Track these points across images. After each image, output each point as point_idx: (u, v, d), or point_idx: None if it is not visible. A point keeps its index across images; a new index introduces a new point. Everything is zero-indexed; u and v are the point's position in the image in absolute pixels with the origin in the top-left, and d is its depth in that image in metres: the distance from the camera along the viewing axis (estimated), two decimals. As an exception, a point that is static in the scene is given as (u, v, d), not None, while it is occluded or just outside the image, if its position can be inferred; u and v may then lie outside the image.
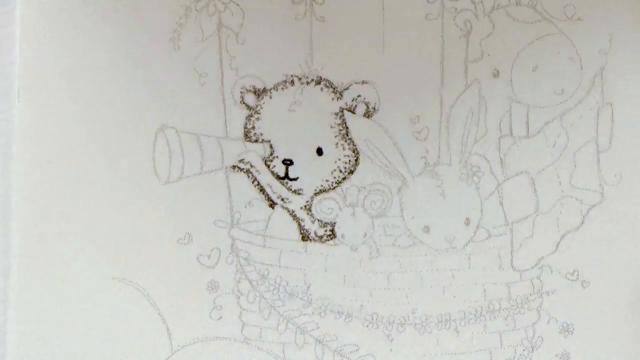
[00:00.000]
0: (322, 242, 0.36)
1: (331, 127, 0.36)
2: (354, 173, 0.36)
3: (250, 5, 0.36)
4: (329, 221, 0.36)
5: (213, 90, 0.36)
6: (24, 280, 0.36)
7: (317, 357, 0.36)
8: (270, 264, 0.36)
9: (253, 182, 0.36)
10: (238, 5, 0.35)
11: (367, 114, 0.36)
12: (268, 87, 0.36)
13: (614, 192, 0.36)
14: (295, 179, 0.36)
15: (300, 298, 0.36)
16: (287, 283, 0.36)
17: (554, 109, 0.36)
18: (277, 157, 0.36)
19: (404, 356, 0.36)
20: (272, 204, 0.36)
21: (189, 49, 0.36)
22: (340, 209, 0.36)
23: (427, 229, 0.36)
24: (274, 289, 0.36)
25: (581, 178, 0.36)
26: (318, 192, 0.36)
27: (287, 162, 0.36)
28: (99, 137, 0.36)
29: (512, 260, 0.36)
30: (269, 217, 0.36)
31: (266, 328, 0.36)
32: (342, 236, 0.36)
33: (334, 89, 0.36)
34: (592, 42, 0.36)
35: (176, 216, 0.36)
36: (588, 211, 0.36)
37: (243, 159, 0.36)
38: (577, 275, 0.36)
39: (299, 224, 0.36)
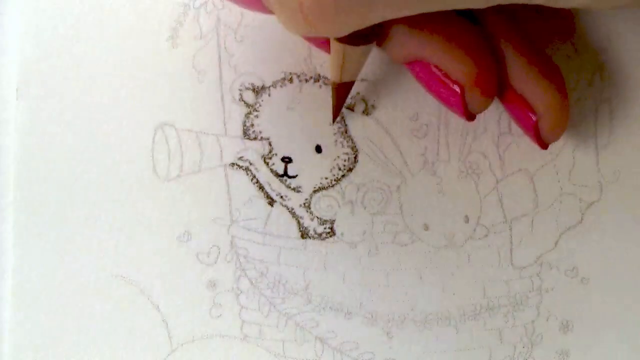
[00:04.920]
0: (322, 240, 0.36)
1: (330, 124, 0.36)
2: (353, 170, 0.36)
3: (249, 3, 0.36)
4: (328, 219, 0.36)
5: (211, 88, 0.36)
6: (21, 278, 0.36)
7: (316, 354, 0.36)
8: (270, 262, 0.36)
9: (252, 180, 0.36)
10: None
11: (366, 112, 0.36)
12: (267, 85, 0.36)
13: (613, 189, 0.36)
14: (294, 177, 0.36)
15: (300, 296, 0.36)
16: (287, 281, 0.36)
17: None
18: (276, 154, 0.36)
19: (404, 353, 0.36)
20: (271, 202, 0.36)
21: (187, 47, 0.36)
22: (340, 206, 0.36)
23: (426, 227, 0.36)
24: (273, 287, 0.36)
25: (580, 175, 0.36)
26: (317, 190, 0.36)
27: (286, 160, 0.36)
28: (97, 135, 0.36)
29: (511, 258, 0.36)
30: (268, 215, 0.36)
31: (266, 326, 0.36)
32: (342, 234, 0.36)
33: (333, 86, 0.36)
34: (590, 39, 0.36)
35: (175, 214, 0.36)
36: (587, 208, 0.36)
37: (242, 157, 0.36)
38: (577, 272, 0.36)
39: (298, 222, 0.36)
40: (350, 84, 0.32)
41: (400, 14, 0.23)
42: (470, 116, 0.30)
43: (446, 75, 0.29)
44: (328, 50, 0.31)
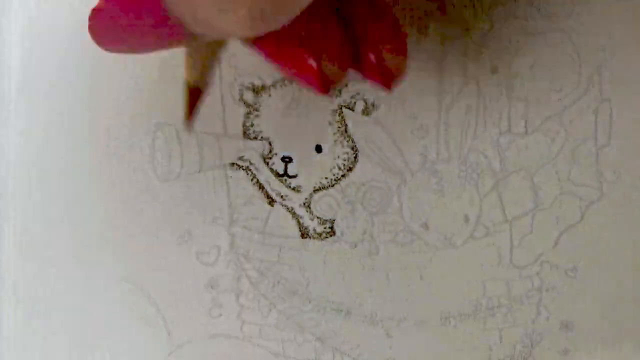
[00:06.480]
0: (322, 239, 0.36)
1: (330, 124, 0.36)
2: (352, 170, 0.36)
3: (249, 3, 0.35)
4: (328, 218, 0.36)
5: (211, 87, 0.36)
6: (21, 278, 0.36)
7: (316, 354, 0.36)
8: (270, 262, 0.36)
9: (252, 180, 0.36)
10: (236, 2, 0.35)
11: (366, 112, 0.36)
12: (267, 85, 0.36)
13: (613, 188, 0.36)
14: (294, 176, 0.36)
15: (300, 296, 0.36)
16: (287, 280, 0.36)
17: (553, 106, 0.36)
18: (276, 154, 0.36)
19: (404, 353, 0.36)
20: (271, 202, 0.36)
21: (188, 47, 0.36)
22: (340, 206, 0.36)
23: (426, 226, 0.36)
24: (273, 287, 0.36)
25: (580, 174, 0.36)
26: (317, 189, 0.36)
27: (286, 160, 0.36)
28: (97, 135, 0.36)
29: (511, 257, 0.36)
30: (268, 215, 0.36)
31: (266, 325, 0.36)
32: (341, 233, 0.36)
33: (333, 86, 0.36)
34: (590, 38, 0.36)
35: (175, 214, 0.36)
36: (587, 207, 0.36)
37: (242, 157, 0.36)
38: (577, 272, 0.36)
39: (298, 221, 0.36)
40: (208, 84, 0.31)
41: None
42: (326, 90, 0.30)
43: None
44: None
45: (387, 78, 0.31)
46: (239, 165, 0.36)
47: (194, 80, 0.31)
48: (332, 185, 0.36)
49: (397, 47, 0.32)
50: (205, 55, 0.29)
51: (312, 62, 0.29)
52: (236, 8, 0.23)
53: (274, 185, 0.36)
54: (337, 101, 0.36)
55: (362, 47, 0.31)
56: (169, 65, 0.36)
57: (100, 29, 0.29)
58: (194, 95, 0.32)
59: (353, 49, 0.31)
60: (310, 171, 0.36)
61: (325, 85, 0.30)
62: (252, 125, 0.36)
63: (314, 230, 0.36)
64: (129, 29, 0.28)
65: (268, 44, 0.30)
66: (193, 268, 0.36)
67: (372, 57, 0.31)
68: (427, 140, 0.36)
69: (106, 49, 0.29)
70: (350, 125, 0.36)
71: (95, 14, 0.29)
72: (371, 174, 0.36)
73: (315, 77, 0.29)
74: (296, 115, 0.36)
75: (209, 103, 0.36)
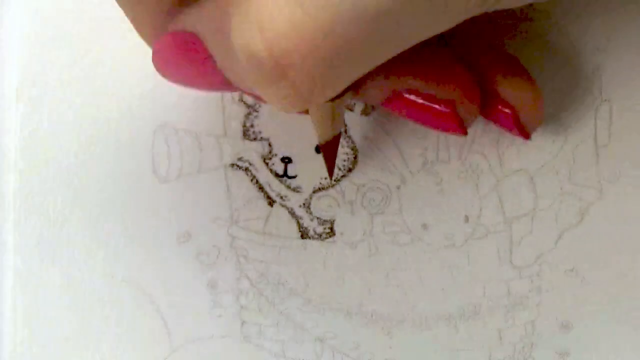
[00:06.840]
0: (321, 240, 0.36)
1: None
2: (352, 171, 0.36)
3: (248, 3, 0.35)
4: (327, 219, 0.36)
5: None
6: (21, 279, 0.36)
7: (316, 354, 0.36)
8: (270, 262, 0.36)
9: (252, 180, 0.36)
10: (236, 3, 0.35)
11: (366, 112, 0.36)
12: (267, 85, 0.36)
13: (613, 188, 0.36)
14: (294, 177, 0.36)
15: (300, 296, 0.36)
16: (286, 281, 0.36)
17: (553, 106, 0.36)
18: (275, 155, 0.36)
19: (403, 353, 0.36)
20: (271, 202, 0.36)
21: (187, 47, 0.36)
22: (339, 206, 0.36)
23: (425, 227, 0.36)
24: (273, 287, 0.36)
25: (580, 175, 0.36)
26: (317, 190, 0.36)
27: (286, 160, 0.36)
28: (97, 135, 0.36)
29: (511, 257, 0.36)
30: (268, 215, 0.36)
31: (265, 326, 0.36)
32: (341, 234, 0.36)
33: (333, 86, 0.36)
34: (590, 39, 0.36)
35: (175, 214, 0.36)
36: (587, 208, 0.36)
37: (242, 157, 0.36)
38: (577, 272, 0.36)
39: (298, 222, 0.36)
40: (339, 135, 0.32)
41: (382, 60, 0.24)
42: (464, 129, 0.31)
43: (430, 98, 0.30)
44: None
45: (523, 132, 0.32)
46: (238, 166, 0.36)
47: (328, 136, 0.31)
48: (332, 186, 0.36)
49: (537, 112, 0.32)
50: (333, 110, 0.29)
51: (444, 109, 0.30)
52: (277, 91, 0.23)
53: (274, 186, 0.36)
54: (337, 101, 0.36)
55: (497, 100, 0.32)
56: (169, 65, 0.36)
57: (160, 65, 0.29)
58: (332, 146, 0.32)
59: (481, 92, 0.31)
60: (310, 172, 0.36)
61: (462, 125, 0.30)
62: (252, 125, 0.36)
63: (314, 230, 0.36)
64: (184, 72, 0.28)
65: (394, 106, 0.30)
66: (193, 268, 0.36)
67: (508, 112, 0.32)
68: (427, 140, 0.36)
69: (171, 81, 0.30)
70: (350, 126, 0.36)
71: (156, 50, 0.29)
72: (371, 175, 0.36)
73: (452, 119, 0.30)
74: (296, 116, 0.36)
75: (209, 103, 0.36)
